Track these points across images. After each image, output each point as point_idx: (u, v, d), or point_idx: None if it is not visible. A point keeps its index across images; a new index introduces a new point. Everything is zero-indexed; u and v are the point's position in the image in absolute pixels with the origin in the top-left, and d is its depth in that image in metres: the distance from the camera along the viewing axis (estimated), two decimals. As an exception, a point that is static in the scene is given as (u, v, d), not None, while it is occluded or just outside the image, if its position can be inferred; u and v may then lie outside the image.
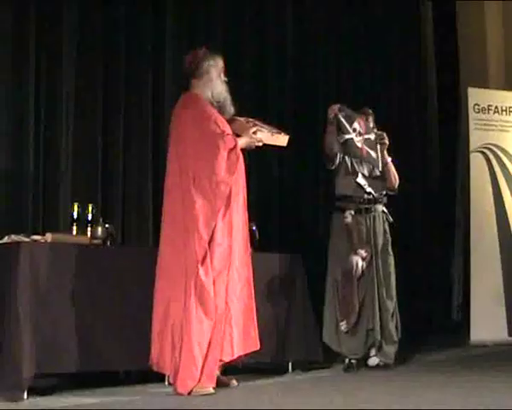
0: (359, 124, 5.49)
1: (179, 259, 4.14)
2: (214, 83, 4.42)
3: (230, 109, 4.47)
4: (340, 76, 8.12)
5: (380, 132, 5.56)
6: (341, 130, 5.43)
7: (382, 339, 5.34)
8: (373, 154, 5.50)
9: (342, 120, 5.42)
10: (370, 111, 5.70)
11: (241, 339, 4.28)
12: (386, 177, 5.56)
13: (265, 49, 7.32)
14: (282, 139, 4.71)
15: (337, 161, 5.50)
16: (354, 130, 5.47)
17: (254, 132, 4.46)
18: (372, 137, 5.53)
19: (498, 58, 9.31)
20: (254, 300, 4.39)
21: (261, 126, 4.59)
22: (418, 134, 9.02)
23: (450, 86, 9.42)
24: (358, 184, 5.45)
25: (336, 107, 5.40)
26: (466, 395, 3.84)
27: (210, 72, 4.42)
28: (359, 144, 5.46)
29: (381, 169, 5.50)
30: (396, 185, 5.63)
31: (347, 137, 5.43)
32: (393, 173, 5.60)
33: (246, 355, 4.37)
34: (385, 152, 5.56)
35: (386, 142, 5.53)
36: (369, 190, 5.46)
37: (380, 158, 5.52)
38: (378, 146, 5.52)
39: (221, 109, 4.42)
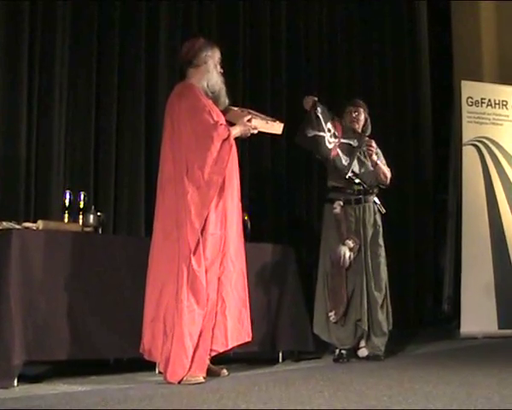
0: (334, 126, 5.45)
1: (172, 248, 4.15)
2: (211, 73, 4.42)
3: (225, 100, 4.49)
4: (334, 71, 8.13)
5: (369, 142, 5.53)
6: (314, 125, 5.31)
7: (371, 330, 5.36)
8: (344, 159, 5.41)
9: (320, 115, 5.33)
10: (361, 102, 5.70)
11: (236, 330, 4.28)
12: (377, 175, 5.56)
13: (259, 42, 7.30)
14: (276, 127, 4.71)
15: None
16: (329, 130, 5.41)
17: (249, 120, 4.46)
18: (354, 143, 5.47)
19: (492, 52, 9.33)
20: (247, 290, 4.40)
21: (256, 115, 4.59)
22: (412, 127, 9.03)
23: (445, 80, 9.44)
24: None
25: (311, 99, 5.36)
26: (455, 387, 3.85)
27: (207, 62, 4.42)
28: (330, 145, 5.39)
29: (347, 177, 5.43)
30: (387, 181, 5.63)
31: (319, 134, 5.34)
32: (383, 172, 5.58)
33: (238, 346, 4.38)
34: (373, 156, 5.53)
35: (371, 152, 5.50)
36: (357, 181, 5.46)
37: (350, 165, 5.42)
38: (361, 153, 5.51)
39: (215, 100, 4.43)
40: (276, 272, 5.30)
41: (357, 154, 5.48)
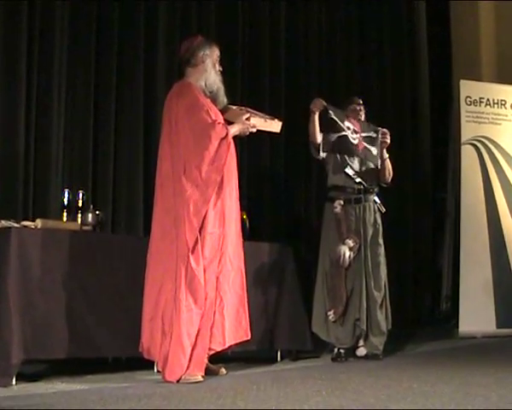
0: (351, 122, 5.50)
1: (170, 247, 4.15)
2: (208, 73, 4.41)
3: (223, 100, 4.48)
4: (333, 70, 8.13)
5: (385, 131, 5.56)
6: (334, 127, 5.41)
7: (369, 330, 5.36)
8: (373, 150, 5.51)
9: (334, 117, 5.40)
10: (360, 100, 5.71)
11: (233, 329, 4.28)
12: (381, 171, 5.57)
13: (258, 42, 7.31)
14: (275, 125, 4.71)
15: (321, 152, 5.49)
16: (348, 128, 5.47)
17: (247, 119, 4.46)
18: (373, 134, 5.54)
19: (490, 51, 9.33)
20: (246, 289, 4.40)
21: (254, 113, 4.59)
22: (410, 127, 9.04)
23: (443, 79, 9.46)
24: (347, 175, 5.46)
25: (320, 102, 5.38)
26: (454, 387, 3.85)
27: (205, 61, 4.41)
28: (355, 141, 5.47)
29: (379, 166, 5.52)
30: (389, 179, 5.65)
31: (341, 134, 5.44)
32: (389, 169, 5.62)
33: (236, 345, 4.39)
34: (385, 151, 5.57)
35: (388, 141, 5.54)
36: (358, 180, 5.47)
37: (379, 154, 5.53)
38: (379, 143, 5.54)
39: (214, 99, 4.42)
40: (274, 270, 5.30)
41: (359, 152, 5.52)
